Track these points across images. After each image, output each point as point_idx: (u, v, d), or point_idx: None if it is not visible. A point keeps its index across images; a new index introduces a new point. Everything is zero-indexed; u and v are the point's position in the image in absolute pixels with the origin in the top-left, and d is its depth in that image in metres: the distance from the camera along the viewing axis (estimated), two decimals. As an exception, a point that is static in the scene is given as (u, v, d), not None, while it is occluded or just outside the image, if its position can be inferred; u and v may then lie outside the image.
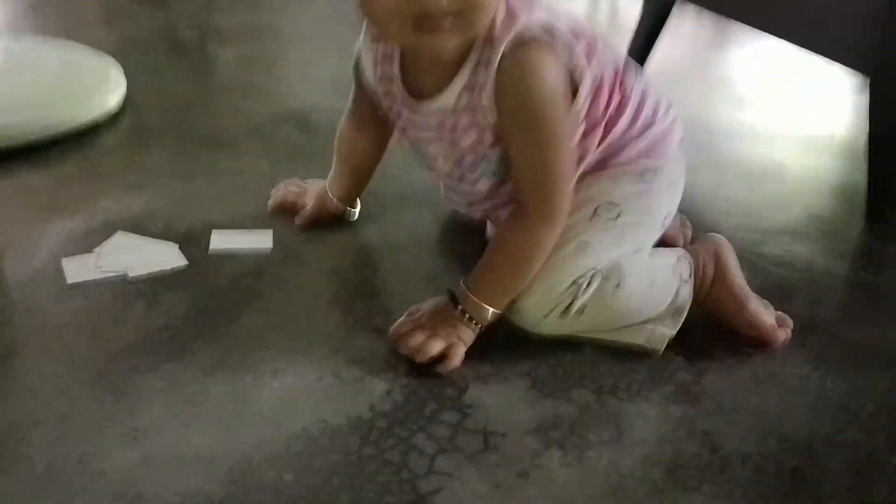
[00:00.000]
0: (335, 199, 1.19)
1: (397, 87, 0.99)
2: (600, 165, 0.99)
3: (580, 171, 0.98)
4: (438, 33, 0.85)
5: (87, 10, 2.07)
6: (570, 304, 0.93)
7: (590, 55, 0.93)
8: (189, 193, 1.26)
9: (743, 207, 1.31)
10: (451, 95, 0.93)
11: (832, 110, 1.73)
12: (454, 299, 0.93)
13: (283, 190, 1.23)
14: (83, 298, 1.02)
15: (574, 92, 0.92)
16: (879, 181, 1.30)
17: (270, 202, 1.22)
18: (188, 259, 1.10)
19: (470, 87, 0.92)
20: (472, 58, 0.90)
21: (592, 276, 0.93)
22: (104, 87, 1.50)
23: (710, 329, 0.99)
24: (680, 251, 1.00)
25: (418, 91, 0.97)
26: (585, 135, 0.96)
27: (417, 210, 1.25)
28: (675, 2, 1.65)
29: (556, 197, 0.92)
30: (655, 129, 1.00)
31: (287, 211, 1.21)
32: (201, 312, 1.00)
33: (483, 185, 1.02)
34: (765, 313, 0.99)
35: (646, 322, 0.96)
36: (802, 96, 1.80)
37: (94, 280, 1.04)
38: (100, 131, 1.44)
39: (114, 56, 1.68)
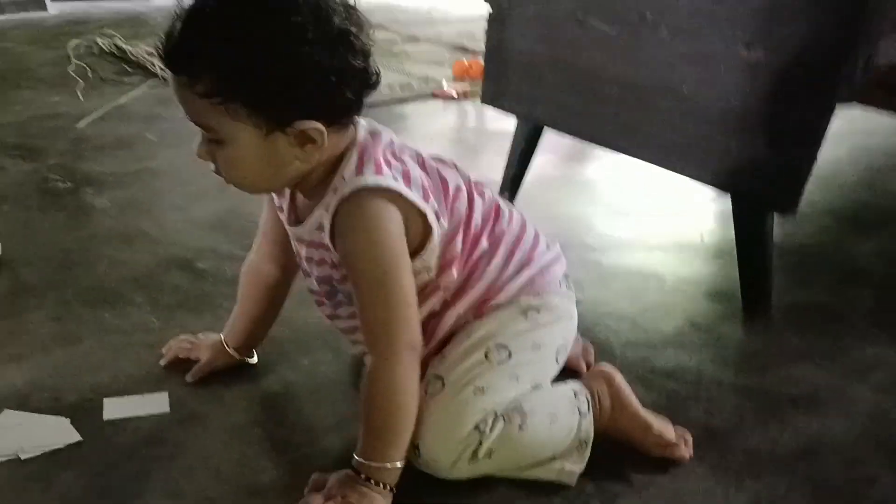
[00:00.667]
0: (231, 349, 1.18)
1: (286, 205, 1.03)
2: (480, 308, 1.02)
3: (452, 310, 1.01)
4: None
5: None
6: (477, 448, 0.94)
7: (452, 201, 0.98)
8: (76, 359, 1.22)
9: (629, 321, 1.36)
10: (308, 228, 0.98)
11: (695, 217, 1.84)
12: (356, 469, 0.93)
13: (175, 346, 1.21)
14: (-30, 489, 0.96)
15: (427, 235, 0.96)
16: (750, 285, 1.39)
17: (163, 359, 1.20)
18: (81, 432, 1.05)
19: (319, 226, 0.96)
20: (324, 200, 0.94)
21: (494, 420, 0.94)
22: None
23: (614, 450, 1.02)
24: (576, 385, 1.03)
25: (297, 214, 1.02)
26: (441, 271, 0.99)
27: (317, 353, 1.24)
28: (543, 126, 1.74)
29: (398, 335, 0.93)
30: (534, 267, 1.04)
31: (181, 367, 1.18)
32: (100, 492, 0.96)
33: (344, 314, 1.05)
34: (667, 431, 1.03)
35: (553, 459, 0.98)
36: (666, 204, 1.90)
37: (-19, 467, 0.99)
38: (-27, 296, 1.38)
39: (-17, 213, 1.63)
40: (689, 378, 1.20)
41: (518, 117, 1.77)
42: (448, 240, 0.98)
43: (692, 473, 1.01)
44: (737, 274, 1.42)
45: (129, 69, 3.00)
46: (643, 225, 1.78)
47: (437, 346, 1.03)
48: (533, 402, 0.98)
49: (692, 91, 1.38)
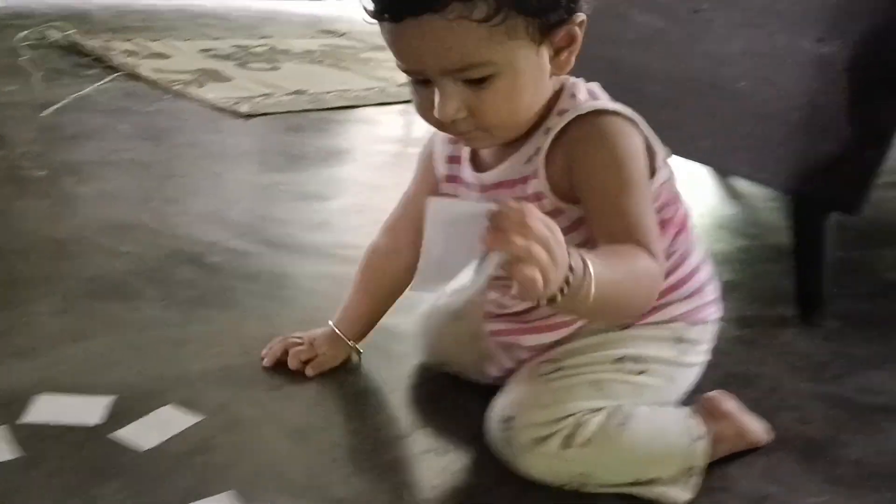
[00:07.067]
0: (347, 340, 1.08)
1: (465, 161, 0.95)
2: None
3: None
4: (466, 140, 0.88)
5: None
6: (572, 434, 0.84)
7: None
8: (92, 356, 1.07)
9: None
10: (506, 166, 0.89)
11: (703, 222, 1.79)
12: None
13: (282, 346, 1.08)
14: None
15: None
16: (808, 291, 1.32)
17: (266, 360, 1.08)
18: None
19: (529, 158, 0.87)
20: (537, 133, 0.86)
21: (594, 413, 0.86)
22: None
23: (718, 472, 0.94)
24: (686, 409, 0.95)
25: (481, 164, 0.94)
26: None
27: (368, 356, 1.13)
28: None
29: (653, 239, 0.81)
30: (704, 297, 0.96)
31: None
32: (157, 504, 0.83)
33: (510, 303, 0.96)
34: (760, 430, 0.99)
35: (654, 482, 0.87)
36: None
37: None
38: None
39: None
40: (767, 386, 1.13)
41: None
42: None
43: (806, 485, 0.93)
44: (770, 280, 1.39)
45: (84, 62, 2.81)
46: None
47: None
48: (640, 410, 0.89)
49: (750, 88, 1.32)
